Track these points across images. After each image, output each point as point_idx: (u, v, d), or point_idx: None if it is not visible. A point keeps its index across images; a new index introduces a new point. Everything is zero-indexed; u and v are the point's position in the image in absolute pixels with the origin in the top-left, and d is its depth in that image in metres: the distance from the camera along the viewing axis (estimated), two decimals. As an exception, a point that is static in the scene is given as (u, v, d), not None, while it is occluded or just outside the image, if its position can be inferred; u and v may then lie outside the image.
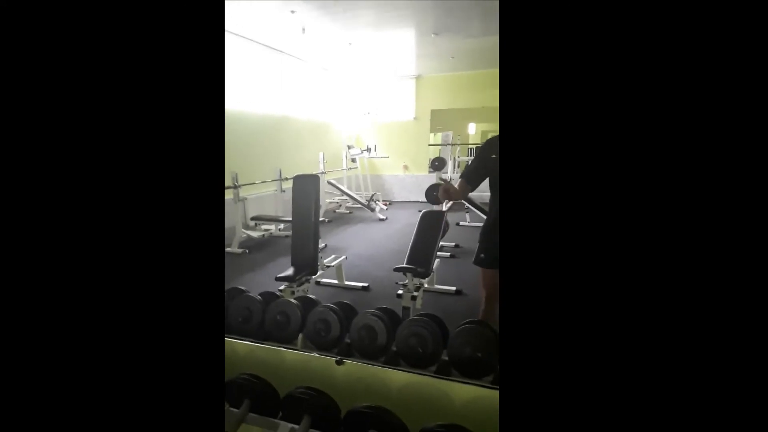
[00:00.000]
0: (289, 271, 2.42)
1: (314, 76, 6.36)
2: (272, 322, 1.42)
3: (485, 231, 1.82)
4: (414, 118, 7.46)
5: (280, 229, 4.82)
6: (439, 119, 7.40)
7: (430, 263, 2.40)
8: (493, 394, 0.96)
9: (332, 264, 3.07)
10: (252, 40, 4.85)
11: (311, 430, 0.93)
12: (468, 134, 7.70)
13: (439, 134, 7.52)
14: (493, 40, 4.62)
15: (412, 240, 2.56)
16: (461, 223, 5.14)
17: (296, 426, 0.94)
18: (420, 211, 2.90)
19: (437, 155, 6.77)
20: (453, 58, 5.94)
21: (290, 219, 3.51)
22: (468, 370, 1.14)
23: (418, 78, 7.30)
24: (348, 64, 6.32)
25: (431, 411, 0.99)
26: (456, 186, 1.72)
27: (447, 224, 2.72)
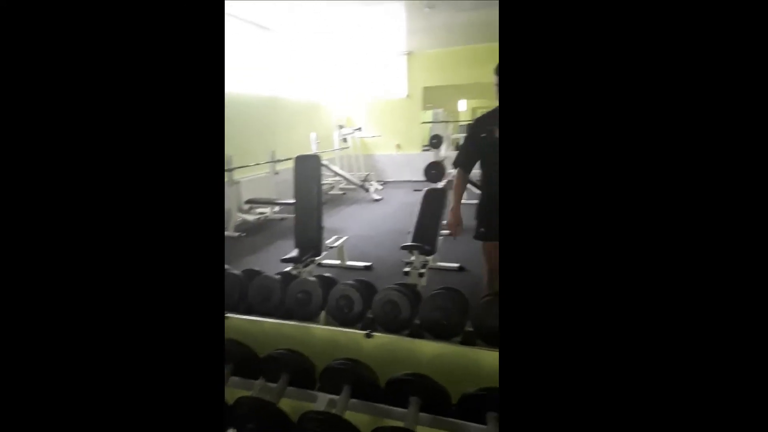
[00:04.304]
0: (294, 253, 2.42)
1: (303, 55, 6.20)
2: (294, 301, 1.44)
3: (482, 206, 1.85)
4: (406, 96, 7.37)
5: (275, 212, 4.79)
6: (432, 96, 7.28)
7: (435, 241, 2.44)
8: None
9: (335, 245, 3.08)
10: (238, 17, 4.68)
11: (351, 400, 0.96)
12: (458, 111, 7.65)
13: (430, 112, 7.46)
14: (487, 13, 4.54)
15: (416, 218, 2.59)
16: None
17: (335, 396, 0.97)
18: (415, 190, 2.91)
19: (429, 133, 6.72)
20: (446, 32, 5.72)
21: (286, 201, 3.48)
22: (495, 340, 1.19)
23: (410, 54, 7.18)
24: (338, 42, 6.17)
25: (465, 378, 1.03)
26: (455, 181, 1.90)
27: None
